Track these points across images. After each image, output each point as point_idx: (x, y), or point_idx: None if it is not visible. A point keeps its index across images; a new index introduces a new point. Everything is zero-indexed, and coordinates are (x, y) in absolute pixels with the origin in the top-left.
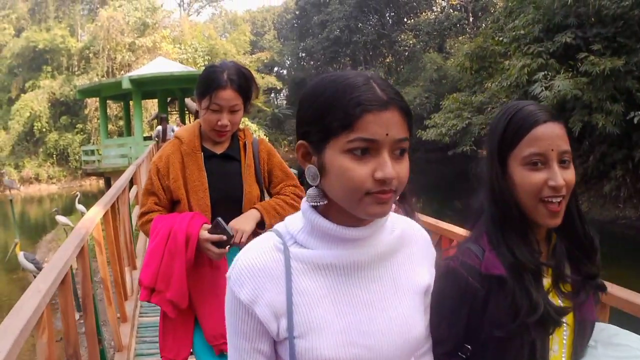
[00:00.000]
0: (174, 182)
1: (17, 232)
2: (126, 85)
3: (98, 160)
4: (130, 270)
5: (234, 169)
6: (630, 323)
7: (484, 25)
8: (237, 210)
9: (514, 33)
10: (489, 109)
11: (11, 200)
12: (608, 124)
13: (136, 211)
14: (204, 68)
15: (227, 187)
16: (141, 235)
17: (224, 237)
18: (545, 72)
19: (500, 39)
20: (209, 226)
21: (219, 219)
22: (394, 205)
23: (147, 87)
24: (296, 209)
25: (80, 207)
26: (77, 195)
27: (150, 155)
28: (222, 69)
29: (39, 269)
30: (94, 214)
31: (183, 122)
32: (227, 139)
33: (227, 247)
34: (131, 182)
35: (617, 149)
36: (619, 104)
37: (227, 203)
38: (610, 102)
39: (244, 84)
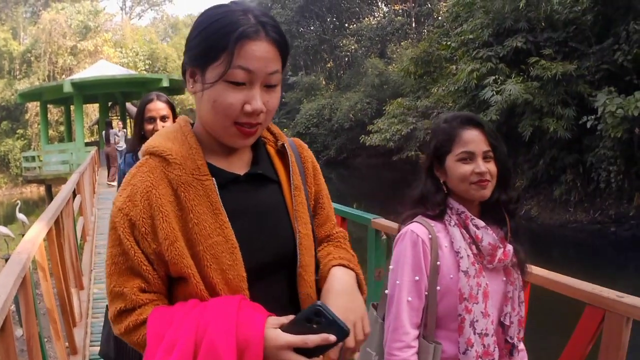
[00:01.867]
0: (170, 244)
1: None
2: (67, 88)
3: (39, 167)
4: (77, 291)
5: (275, 200)
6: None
7: (426, 30)
8: (289, 279)
9: (462, 37)
10: (435, 113)
11: None
12: (559, 129)
13: (80, 224)
14: (143, 71)
15: (270, 237)
16: (86, 249)
17: (332, 338)
18: (496, 76)
19: (448, 43)
20: (283, 319)
21: (320, 303)
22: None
23: (88, 90)
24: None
25: (20, 216)
26: (17, 204)
27: (93, 163)
28: (243, 8)
29: None
30: (36, 233)
31: (125, 126)
32: (252, 141)
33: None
34: (74, 192)
35: (567, 153)
36: (570, 109)
37: (274, 268)
38: (562, 107)
39: (280, 33)
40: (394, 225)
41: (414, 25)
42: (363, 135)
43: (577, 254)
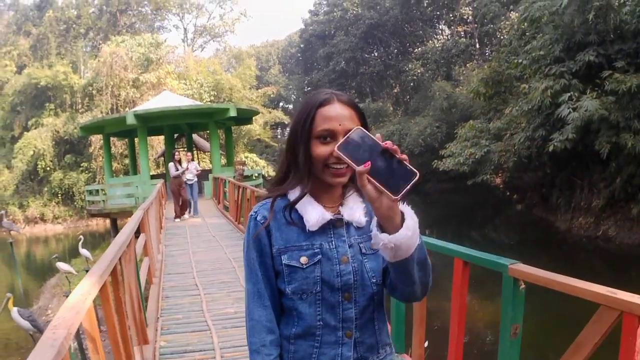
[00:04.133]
0: None
1: (19, 277)
2: (131, 120)
3: (103, 201)
4: (140, 348)
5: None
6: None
7: (488, 51)
8: None
9: (532, 54)
10: (508, 135)
11: (11, 243)
12: (637, 144)
13: (145, 266)
14: (208, 102)
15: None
16: (152, 293)
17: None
18: (571, 93)
19: (518, 61)
20: None
21: None
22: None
23: (152, 122)
24: None
25: (84, 251)
26: (80, 239)
27: (159, 196)
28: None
29: (36, 327)
30: (82, 295)
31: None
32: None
33: None
34: (138, 231)
35: None
36: None
37: None
38: (639, 121)
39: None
40: (538, 272)
41: (477, 46)
42: (436, 160)
43: None
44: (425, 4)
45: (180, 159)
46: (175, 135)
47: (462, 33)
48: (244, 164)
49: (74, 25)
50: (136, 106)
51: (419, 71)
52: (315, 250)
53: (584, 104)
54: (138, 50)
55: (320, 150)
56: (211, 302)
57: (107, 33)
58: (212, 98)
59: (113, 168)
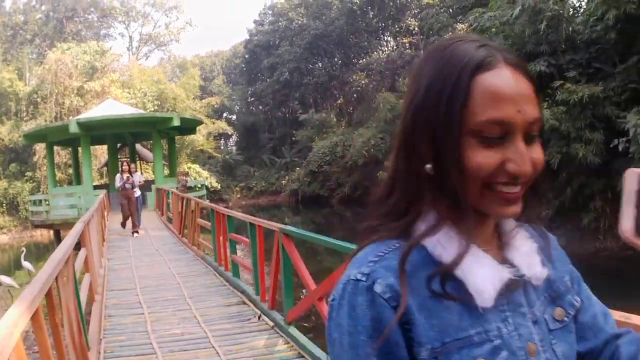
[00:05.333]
0: None
1: None
2: (74, 129)
3: (46, 211)
4: None
5: None
6: None
7: None
8: None
9: None
10: None
11: None
12: (588, 154)
13: (86, 283)
14: (152, 111)
15: None
16: (94, 311)
17: None
18: None
19: None
20: None
21: None
22: None
23: (96, 131)
24: None
25: (26, 264)
26: (22, 251)
27: (102, 208)
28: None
29: None
30: (8, 328)
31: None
32: None
33: None
34: (78, 245)
35: (596, 178)
36: (598, 132)
37: None
38: (590, 131)
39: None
40: None
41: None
42: (381, 172)
43: (609, 283)
44: (371, 15)
45: (128, 169)
46: (119, 145)
47: (407, 44)
48: (186, 174)
49: (20, 31)
50: (80, 115)
51: (363, 82)
52: (495, 342)
53: None
54: (83, 58)
55: (483, 157)
56: (156, 322)
57: (53, 40)
58: (156, 107)
59: (57, 178)
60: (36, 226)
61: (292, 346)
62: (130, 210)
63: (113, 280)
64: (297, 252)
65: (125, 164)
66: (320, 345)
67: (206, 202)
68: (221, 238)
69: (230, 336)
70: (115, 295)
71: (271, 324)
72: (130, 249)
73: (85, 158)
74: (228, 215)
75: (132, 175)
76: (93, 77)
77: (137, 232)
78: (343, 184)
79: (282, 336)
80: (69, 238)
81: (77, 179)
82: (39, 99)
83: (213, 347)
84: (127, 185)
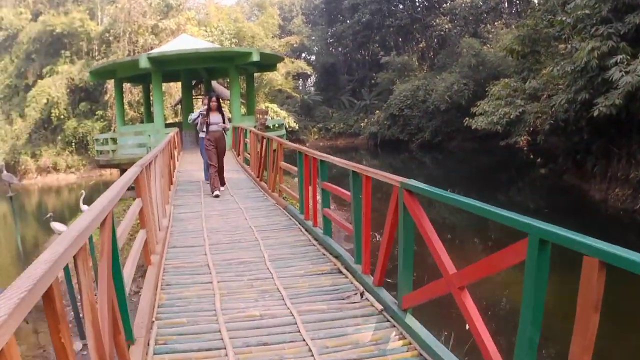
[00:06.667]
0: None
1: (18, 235)
2: (144, 64)
3: (112, 151)
4: None
5: None
6: None
7: (516, 10)
8: None
9: (577, 13)
10: (545, 95)
11: (11, 198)
12: None
13: (139, 241)
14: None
15: None
16: (149, 275)
17: None
18: (622, 55)
19: (562, 19)
20: None
21: None
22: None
23: (168, 66)
24: None
25: (84, 207)
26: (81, 194)
27: (170, 147)
28: None
29: None
30: None
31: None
32: None
33: None
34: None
35: None
36: None
37: None
38: None
39: None
40: None
41: (506, 5)
42: (467, 118)
43: None
44: None
45: (218, 105)
46: (193, 82)
47: None
48: (266, 112)
49: None
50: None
51: (446, 27)
52: None
53: (637, 68)
54: None
55: None
56: (227, 295)
57: None
58: (234, 46)
59: (130, 116)
60: (101, 166)
61: (411, 344)
62: (219, 161)
63: (177, 233)
64: (427, 218)
65: (214, 99)
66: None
67: (291, 144)
68: (310, 187)
69: (325, 322)
70: (178, 254)
71: (379, 306)
72: (201, 194)
73: (156, 95)
74: (321, 160)
75: (223, 116)
76: (168, 15)
77: (218, 190)
78: (423, 129)
79: (394, 326)
80: (114, 188)
81: (148, 117)
82: (111, 38)
83: (304, 339)
84: (217, 127)
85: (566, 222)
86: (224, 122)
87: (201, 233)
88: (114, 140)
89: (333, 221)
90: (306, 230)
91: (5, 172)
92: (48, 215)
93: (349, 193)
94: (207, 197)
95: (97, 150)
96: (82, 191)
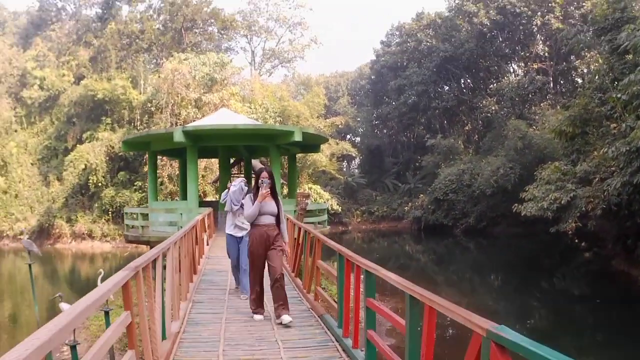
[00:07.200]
0: None
1: (36, 303)
2: (179, 138)
3: (142, 227)
4: None
5: None
6: None
7: (564, 89)
8: None
9: (633, 89)
10: (597, 179)
11: (30, 266)
12: None
13: None
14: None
15: None
16: None
17: None
18: None
19: (617, 96)
20: None
21: None
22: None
23: (204, 141)
24: None
25: (65, 306)
26: (100, 273)
27: (193, 233)
28: None
29: None
30: None
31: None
32: None
33: None
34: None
35: None
36: None
37: None
38: None
39: None
40: None
41: (551, 85)
42: (516, 204)
43: None
44: (501, 39)
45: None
46: (232, 160)
47: (536, 71)
48: (307, 196)
49: (136, 40)
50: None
51: (493, 108)
52: None
53: None
54: (202, 70)
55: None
56: None
57: (170, 50)
58: (277, 124)
59: (168, 190)
60: (130, 241)
61: None
62: (271, 271)
63: (188, 344)
64: None
65: (267, 175)
66: None
67: (331, 242)
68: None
69: None
70: None
71: None
72: (227, 289)
73: (190, 170)
74: (367, 271)
75: (279, 205)
76: (212, 89)
77: (260, 314)
78: (468, 214)
79: None
80: (90, 297)
81: (183, 193)
82: (153, 109)
83: None
84: (269, 220)
85: (617, 313)
86: (278, 215)
87: (217, 345)
88: (145, 215)
89: (379, 350)
90: (343, 350)
91: (25, 237)
92: (57, 295)
93: (402, 321)
94: (233, 295)
95: (126, 225)
96: (101, 270)
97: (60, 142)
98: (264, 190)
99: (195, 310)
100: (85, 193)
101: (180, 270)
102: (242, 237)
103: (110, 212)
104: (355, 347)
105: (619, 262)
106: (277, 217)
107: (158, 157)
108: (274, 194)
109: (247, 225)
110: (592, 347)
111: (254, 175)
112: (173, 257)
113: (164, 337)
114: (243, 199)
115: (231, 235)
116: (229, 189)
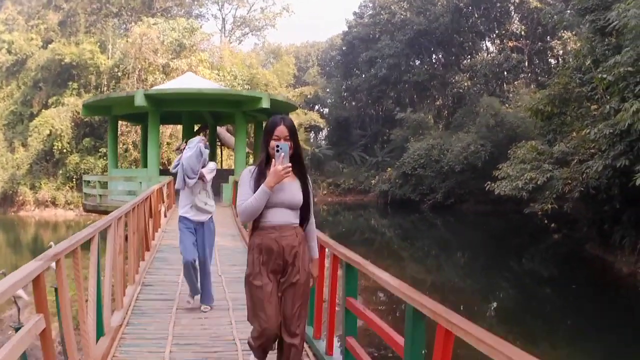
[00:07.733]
0: None
1: None
2: (140, 101)
3: (100, 195)
4: None
5: None
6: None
7: (539, 69)
8: None
9: (619, 70)
10: (575, 160)
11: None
12: None
13: None
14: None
15: None
16: None
17: None
18: None
19: (603, 76)
20: None
21: None
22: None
23: (167, 106)
24: None
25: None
26: (50, 246)
27: (149, 203)
28: None
29: None
30: None
31: (213, 156)
32: None
33: None
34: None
35: None
36: None
37: None
38: None
39: None
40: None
41: (526, 63)
42: (489, 182)
43: None
44: (477, 15)
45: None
46: (197, 127)
47: (511, 49)
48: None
49: (106, 4)
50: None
51: (465, 84)
52: None
53: None
54: (171, 35)
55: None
56: None
57: (140, 14)
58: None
59: (133, 157)
60: (88, 210)
61: None
62: (287, 308)
63: (128, 343)
64: None
65: (288, 135)
66: None
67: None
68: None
69: None
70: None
71: None
72: (175, 271)
73: (151, 137)
74: (347, 264)
75: (307, 188)
76: (180, 55)
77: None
78: (436, 190)
79: None
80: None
81: (144, 161)
82: (120, 74)
83: None
84: (286, 219)
85: (589, 297)
86: (305, 208)
87: (163, 345)
88: (103, 184)
89: None
90: (314, 355)
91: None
92: (0, 272)
93: (398, 340)
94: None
95: (85, 193)
96: (51, 243)
97: (26, 108)
98: (281, 163)
99: (143, 296)
100: (50, 159)
101: (126, 250)
102: (205, 221)
103: (74, 179)
104: (329, 354)
105: (593, 246)
106: (303, 212)
107: (121, 122)
108: (298, 170)
109: (212, 206)
110: (561, 331)
111: (219, 142)
112: (117, 235)
113: (101, 334)
114: (203, 167)
115: (187, 218)
116: (181, 154)
